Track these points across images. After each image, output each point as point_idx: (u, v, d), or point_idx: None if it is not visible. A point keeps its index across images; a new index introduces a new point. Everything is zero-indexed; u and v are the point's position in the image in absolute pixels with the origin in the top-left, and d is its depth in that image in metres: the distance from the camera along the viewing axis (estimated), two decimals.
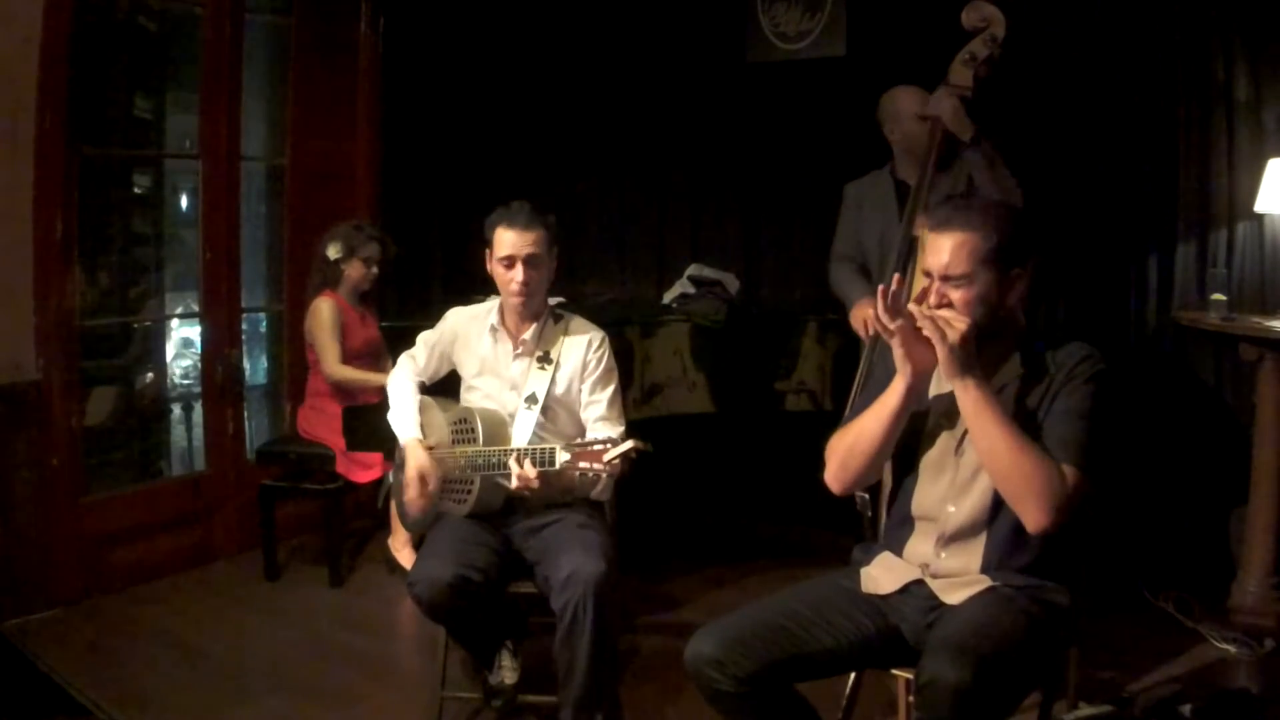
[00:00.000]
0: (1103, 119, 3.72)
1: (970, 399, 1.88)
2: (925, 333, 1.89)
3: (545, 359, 2.70)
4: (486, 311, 2.77)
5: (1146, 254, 3.73)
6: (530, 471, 2.42)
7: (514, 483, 2.47)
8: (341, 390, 3.77)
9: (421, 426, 2.72)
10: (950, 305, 1.91)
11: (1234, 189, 3.52)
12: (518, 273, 2.62)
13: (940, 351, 1.87)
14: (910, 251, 2.98)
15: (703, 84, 4.51)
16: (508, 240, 2.63)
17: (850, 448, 2.03)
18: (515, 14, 4.65)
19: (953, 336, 1.86)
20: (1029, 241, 1.95)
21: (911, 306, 1.93)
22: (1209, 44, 3.53)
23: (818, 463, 2.11)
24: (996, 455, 1.85)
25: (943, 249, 1.92)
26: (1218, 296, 3.37)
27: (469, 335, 2.79)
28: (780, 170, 4.43)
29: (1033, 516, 1.84)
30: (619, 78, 4.61)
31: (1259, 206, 3.32)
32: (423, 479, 2.62)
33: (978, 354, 1.91)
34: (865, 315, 3.30)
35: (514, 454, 2.48)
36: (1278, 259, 3.48)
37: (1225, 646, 3.16)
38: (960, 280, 1.90)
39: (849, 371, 3.30)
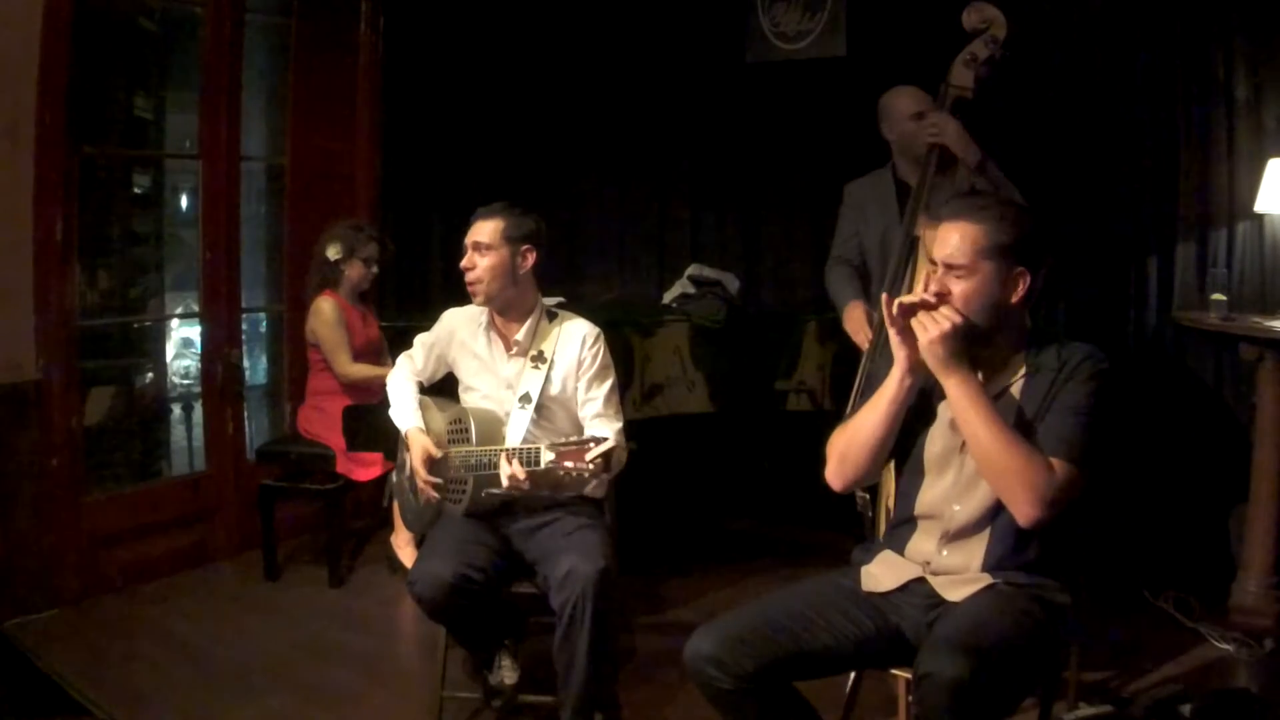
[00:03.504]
0: (1103, 119, 3.72)
1: (956, 393, 1.89)
2: (915, 326, 1.91)
3: (539, 358, 2.69)
4: (480, 312, 2.78)
5: (1146, 254, 3.73)
6: (520, 471, 2.42)
7: (505, 483, 2.47)
8: (354, 388, 3.77)
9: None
10: (948, 296, 1.92)
11: (1234, 189, 3.52)
12: (464, 260, 2.67)
13: (920, 344, 1.90)
14: (911, 252, 2.98)
15: (703, 84, 4.51)
16: (468, 232, 2.69)
17: (849, 441, 2.04)
18: (515, 14, 4.65)
19: (933, 332, 1.88)
20: (1036, 243, 1.95)
21: (906, 298, 1.94)
22: (1209, 44, 3.53)
23: (818, 462, 2.11)
24: (983, 448, 1.86)
25: (948, 239, 1.94)
26: (1218, 296, 3.37)
27: (464, 336, 2.79)
28: (780, 170, 4.43)
29: (1022, 509, 1.84)
30: (619, 77, 4.61)
31: (1259, 206, 3.32)
32: (429, 459, 2.62)
33: (983, 353, 1.92)
34: (858, 319, 3.30)
35: (504, 454, 2.49)
36: (1278, 259, 3.48)
37: (1225, 646, 3.16)
38: (960, 271, 1.92)
39: (849, 371, 3.31)
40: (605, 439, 2.37)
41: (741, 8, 4.45)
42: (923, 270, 2.85)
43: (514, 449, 2.49)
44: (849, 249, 3.49)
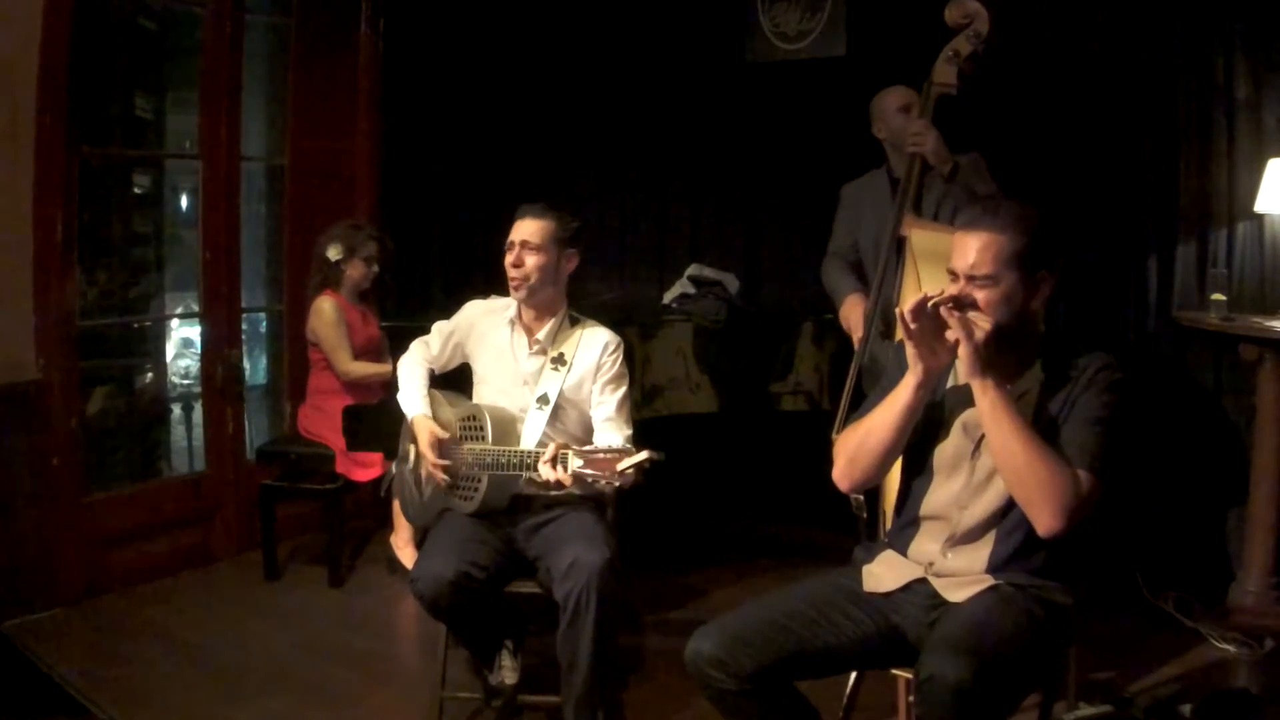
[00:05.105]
0: (1103, 119, 3.72)
1: (988, 399, 1.88)
2: (953, 330, 1.89)
3: (559, 360, 2.70)
4: (505, 306, 2.79)
5: (1146, 254, 3.73)
6: (566, 477, 2.36)
7: (550, 482, 2.41)
8: (355, 388, 3.77)
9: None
10: (974, 305, 1.91)
11: (1234, 189, 3.51)
12: (511, 256, 2.67)
13: (964, 349, 1.88)
14: (898, 251, 2.97)
15: (703, 84, 4.51)
16: (513, 229, 2.69)
17: (860, 444, 2.03)
18: (516, 14, 4.65)
19: (979, 335, 1.87)
20: (1053, 245, 1.95)
21: (936, 297, 1.92)
22: (1209, 44, 3.53)
23: (816, 462, 2.11)
24: (1011, 457, 1.85)
25: (969, 249, 1.92)
26: (1218, 296, 3.37)
27: (485, 328, 2.80)
28: (780, 170, 4.43)
29: (1044, 520, 1.83)
30: (619, 77, 4.61)
31: (1259, 206, 3.32)
32: (437, 442, 2.61)
33: (1001, 358, 1.91)
34: (853, 313, 3.30)
35: (533, 456, 2.44)
36: (1278, 259, 3.48)
37: (1225, 646, 3.16)
38: (985, 281, 1.91)
39: (846, 372, 3.31)
40: (639, 451, 2.30)
41: (741, 7, 4.45)
42: (911, 270, 2.86)
43: (536, 452, 2.45)
44: (845, 245, 3.51)
